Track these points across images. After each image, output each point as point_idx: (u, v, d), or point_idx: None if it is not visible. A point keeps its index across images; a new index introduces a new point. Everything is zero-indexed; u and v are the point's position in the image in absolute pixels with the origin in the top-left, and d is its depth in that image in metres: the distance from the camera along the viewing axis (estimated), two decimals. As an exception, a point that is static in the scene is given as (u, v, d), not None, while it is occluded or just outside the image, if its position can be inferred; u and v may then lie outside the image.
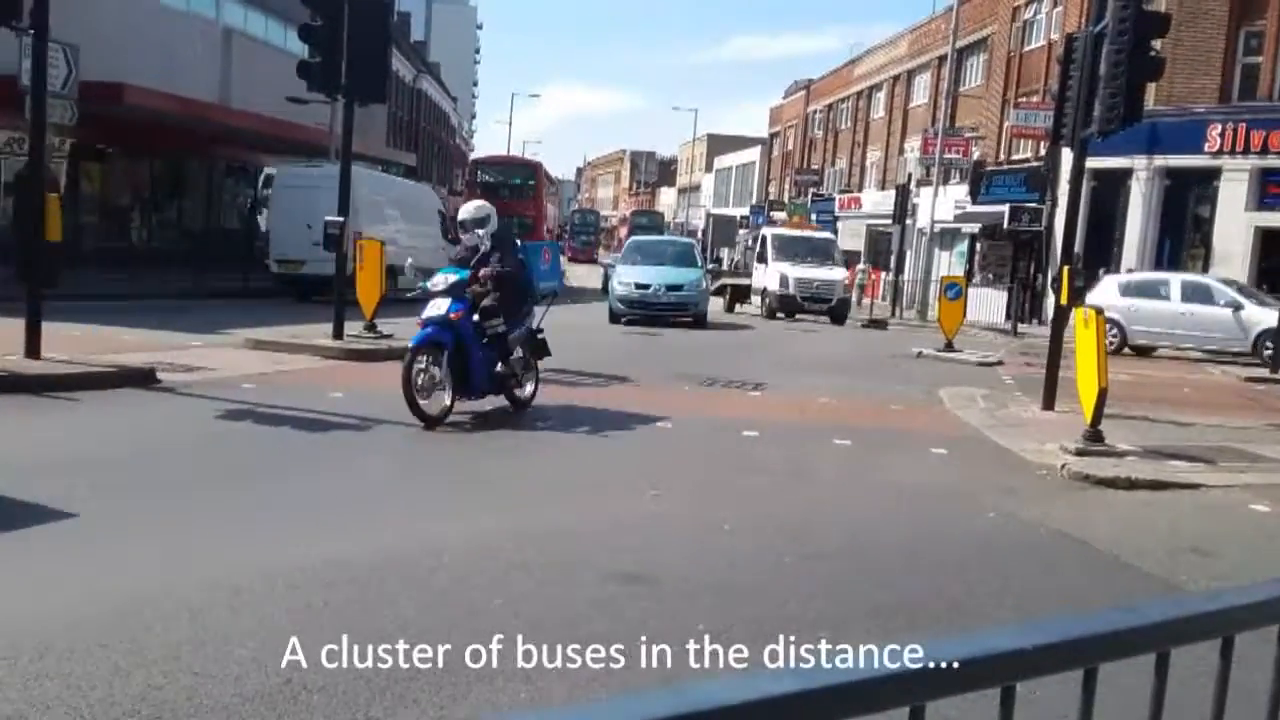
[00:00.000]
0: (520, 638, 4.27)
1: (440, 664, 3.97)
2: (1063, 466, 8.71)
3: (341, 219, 14.28)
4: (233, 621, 4.25)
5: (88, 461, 7.21)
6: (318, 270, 19.65)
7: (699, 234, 71.53)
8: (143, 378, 10.28)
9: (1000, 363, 18.16)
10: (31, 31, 10.15)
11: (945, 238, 36.95)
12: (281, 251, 22.76)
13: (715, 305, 26.29)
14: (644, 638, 4.36)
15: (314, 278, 20.79)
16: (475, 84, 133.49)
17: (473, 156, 51.09)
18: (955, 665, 1.37)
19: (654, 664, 4.12)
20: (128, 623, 4.15)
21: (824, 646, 4.29)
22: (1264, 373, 17.27)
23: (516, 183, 37.27)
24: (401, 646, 4.09)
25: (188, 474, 7.01)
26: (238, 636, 4.10)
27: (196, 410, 9.20)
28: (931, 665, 1.34)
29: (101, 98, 20.54)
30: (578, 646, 4.23)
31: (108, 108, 21.90)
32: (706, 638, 4.42)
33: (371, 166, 40.95)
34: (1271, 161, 24.69)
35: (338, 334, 13.95)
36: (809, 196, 52.85)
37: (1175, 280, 21.84)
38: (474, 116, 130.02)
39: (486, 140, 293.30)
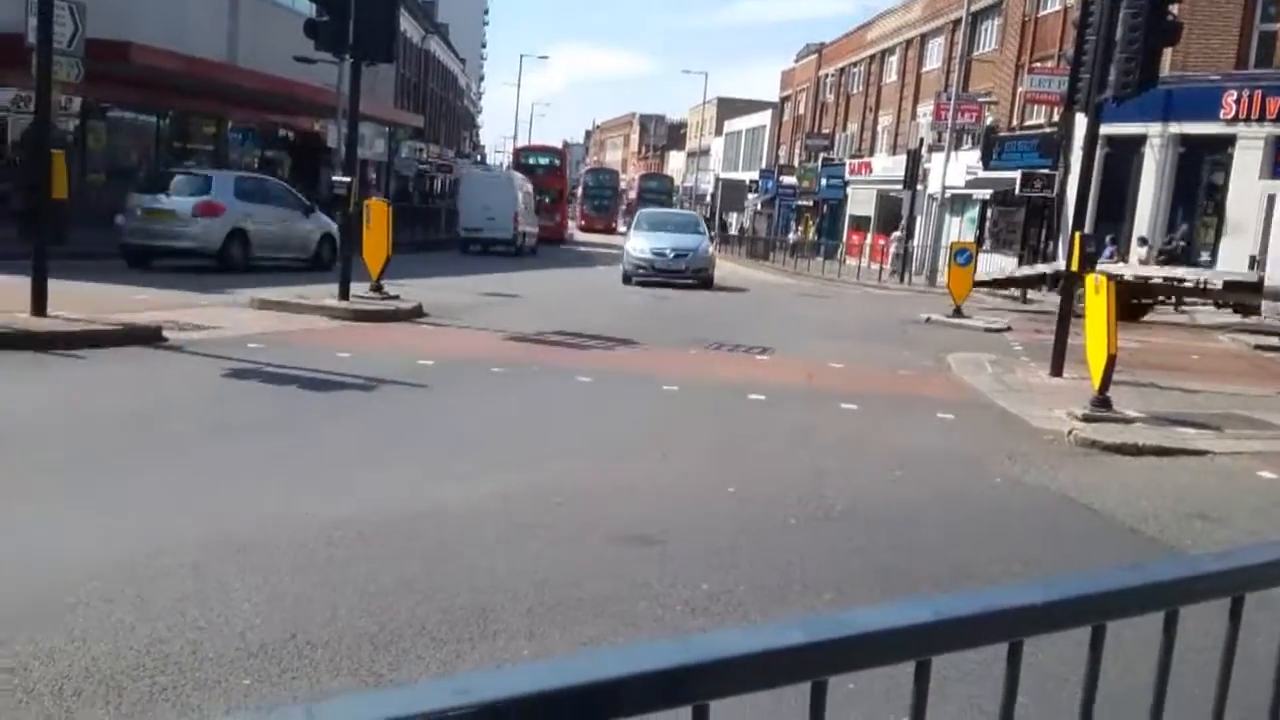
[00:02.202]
0: (524, 596, 4.28)
1: (444, 621, 3.98)
2: (1070, 432, 8.68)
3: (348, 179, 14.22)
4: (237, 577, 4.26)
5: (92, 418, 7.22)
6: (491, 235, 33.15)
7: (708, 198, 71.32)
8: (149, 336, 10.28)
9: (1009, 329, 18.09)
10: (37, -13, 10.07)
11: (956, 204, 36.69)
12: (468, 223, 33.72)
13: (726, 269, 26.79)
14: (648, 597, 4.37)
15: (488, 239, 33.23)
16: (484, 45, 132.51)
17: (517, 145, 65.76)
18: (963, 619, 1.35)
19: (658, 624, 4.13)
20: (132, 577, 4.16)
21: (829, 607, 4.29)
22: (1274, 340, 17.16)
23: (546, 163, 49.77)
24: (405, 603, 4.11)
25: (193, 431, 7.01)
26: (242, 591, 4.11)
27: (203, 368, 9.20)
28: (940, 618, 1.32)
29: (108, 56, 20.45)
30: (582, 605, 4.24)
31: (114, 66, 21.79)
32: (711, 598, 4.43)
33: (379, 127, 40.98)
34: (1288, 129, 24.41)
35: (344, 295, 13.92)
36: (819, 161, 52.51)
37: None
38: (482, 78, 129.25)
39: (494, 102, 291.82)
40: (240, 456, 6.43)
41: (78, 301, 11.49)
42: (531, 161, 48.83)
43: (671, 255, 23.89)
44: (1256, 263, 23.18)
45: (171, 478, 5.82)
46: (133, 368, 9.17)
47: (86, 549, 4.49)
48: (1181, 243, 24.58)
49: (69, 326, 9.95)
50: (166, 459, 6.24)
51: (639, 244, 24.51)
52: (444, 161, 63.67)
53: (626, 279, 24.05)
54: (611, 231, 62.05)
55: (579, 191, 73.12)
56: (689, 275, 23.92)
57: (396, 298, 14.71)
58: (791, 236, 49.34)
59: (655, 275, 23.50)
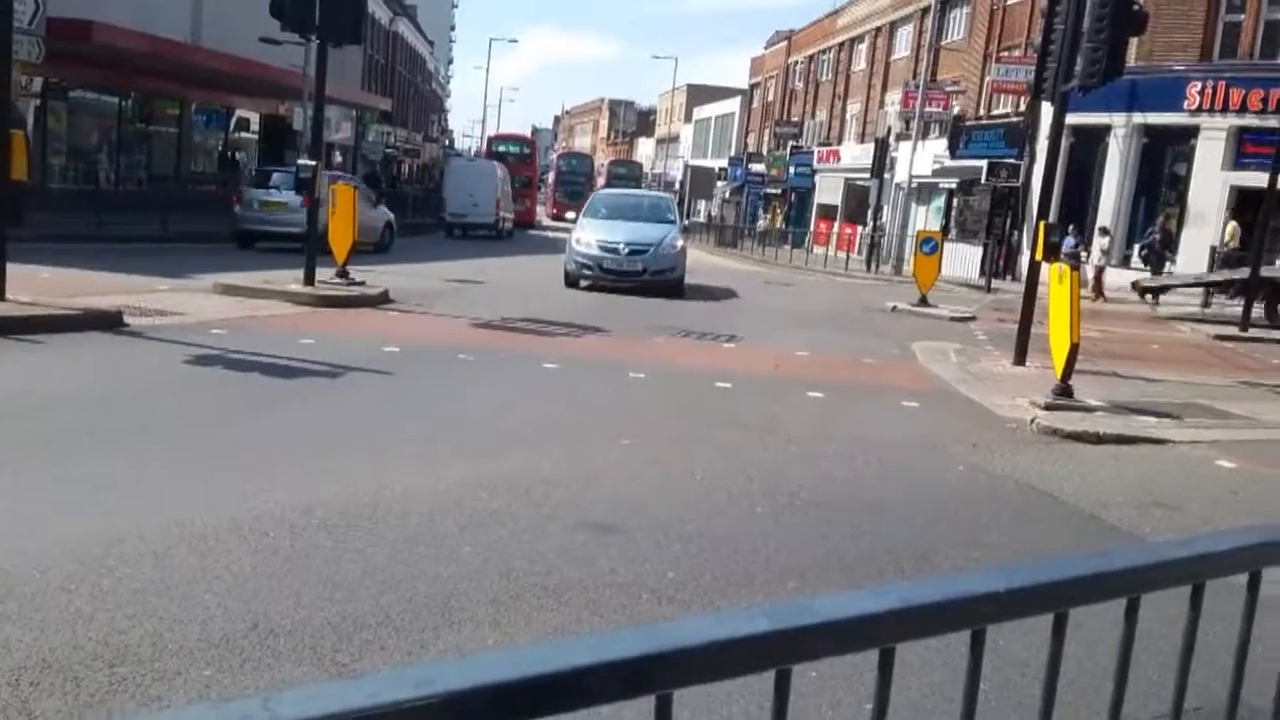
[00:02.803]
0: (489, 585, 4.26)
1: (408, 610, 3.95)
2: (1032, 420, 8.76)
3: (314, 163, 14.08)
4: (199, 566, 4.21)
5: (50, 404, 7.11)
6: (475, 220, 35.53)
7: (677, 185, 71.32)
8: (109, 321, 10.14)
9: (974, 318, 18.23)
10: (-6, -37, 9.88)
11: (923, 192, 36.91)
12: (453, 209, 35.77)
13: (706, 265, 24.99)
14: (613, 585, 4.37)
15: (472, 224, 35.61)
16: (453, 28, 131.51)
17: (490, 134, 68.52)
18: (927, 607, 1.35)
19: (623, 612, 4.12)
20: (91, 566, 4.11)
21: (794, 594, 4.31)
22: (1234, 330, 17.40)
23: (517, 150, 51.90)
24: (369, 592, 4.08)
25: (154, 417, 6.93)
26: (204, 581, 4.06)
27: (164, 354, 9.08)
28: (904, 606, 1.32)
29: (69, 35, 20.11)
30: (547, 594, 4.23)
31: (76, 45, 21.43)
32: (677, 586, 4.44)
33: (346, 110, 40.61)
34: (1249, 120, 24.68)
35: (309, 280, 13.79)
36: (788, 149, 52.59)
37: None
38: (451, 62, 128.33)
39: (463, 86, 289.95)
40: (201, 444, 6.36)
41: (38, 285, 11.32)
42: (503, 149, 51.19)
43: (625, 251, 18.07)
44: (1216, 251, 23.49)
45: (131, 465, 5.74)
46: (92, 353, 9.04)
47: (44, 537, 4.42)
48: (1156, 235, 24.76)
49: (26, 310, 9.79)
50: (126, 446, 6.16)
51: (586, 235, 18.67)
52: (412, 145, 63.25)
53: (570, 281, 18.55)
54: None
55: (550, 177, 70.97)
56: (647, 278, 18.16)
57: (362, 284, 14.59)
58: (760, 224, 49.40)
59: (604, 277, 18.15)
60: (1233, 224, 24.13)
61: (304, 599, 3.96)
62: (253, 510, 4.93)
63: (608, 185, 62.00)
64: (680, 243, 19.20)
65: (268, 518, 4.83)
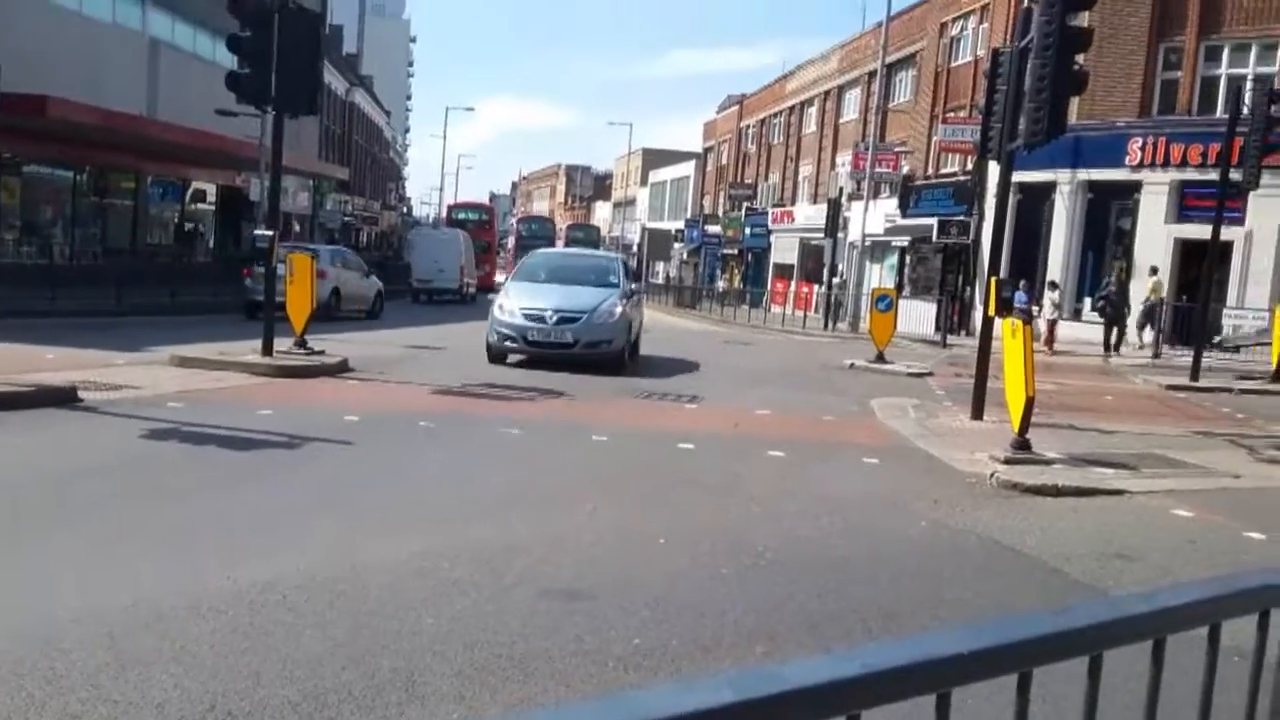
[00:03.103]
0: (453, 657, 4.20)
1: (370, 686, 3.88)
2: (992, 475, 8.83)
3: (271, 232, 14.05)
4: (155, 646, 4.12)
5: (3, 483, 6.97)
6: (440, 285, 36.28)
7: (634, 247, 71.69)
8: (64, 397, 9.98)
9: (930, 374, 18.41)
10: (-55, 41, 9.86)
11: (876, 250, 37.43)
12: (420, 275, 36.83)
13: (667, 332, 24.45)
14: (579, 654, 4.32)
15: (437, 289, 36.32)
16: (409, 98, 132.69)
17: (449, 203, 71.24)
18: (891, 671, 1.35)
19: (590, 681, 4.08)
20: (44, 649, 4.00)
21: (761, 659, 4.28)
22: (1184, 380, 17.70)
23: (476, 217, 53.42)
24: (330, 668, 4.01)
25: (109, 495, 6.81)
26: (160, 662, 3.97)
27: (120, 429, 8.95)
28: (868, 671, 1.33)
29: (23, 110, 20.08)
30: (512, 664, 4.17)
31: (30, 120, 21.37)
32: (643, 653, 4.40)
33: (303, 180, 40.66)
34: (1190, 174, 25.36)
35: (267, 350, 13.68)
36: (743, 210, 53.25)
37: None
38: (408, 130, 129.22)
39: (420, 154, 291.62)
40: (159, 520, 6.25)
41: (-13, 362, 11.14)
42: (463, 217, 53.47)
43: (553, 320, 15.37)
44: (1163, 303, 24.03)
45: (86, 544, 5.63)
46: (46, 430, 8.88)
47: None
48: (1113, 289, 24.91)
49: (-23, 388, 9.66)
50: (81, 524, 6.04)
51: (510, 301, 15.94)
52: (369, 213, 63.41)
53: (493, 355, 15.90)
54: None
55: (510, 242, 68.94)
56: (579, 350, 15.33)
57: (321, 353, 14.49)
58: (720, 285, 49.70)
59: (529, 349, 15.56)
60: (1155, 278, 25.08)
61: (263, 678, 3.88)
62: (210, 587, 4.84)
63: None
64: (620, 309, 15.86)
65: (226, 594, 4.75)
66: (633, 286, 18.05)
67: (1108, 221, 27.99)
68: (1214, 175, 20.34)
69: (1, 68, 16.44)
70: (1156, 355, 22.64)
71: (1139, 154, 26.11)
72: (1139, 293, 25.20)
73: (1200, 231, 21.81)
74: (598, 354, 15.41)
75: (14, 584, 4.88)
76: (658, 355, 18.90)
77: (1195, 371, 17.92)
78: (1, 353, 12.83)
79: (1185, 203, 25.67)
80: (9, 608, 4.51)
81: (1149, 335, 24.76)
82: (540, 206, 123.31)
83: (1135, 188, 26.61)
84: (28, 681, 3.72)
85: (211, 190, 35.88)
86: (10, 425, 8.86)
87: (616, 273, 17.73)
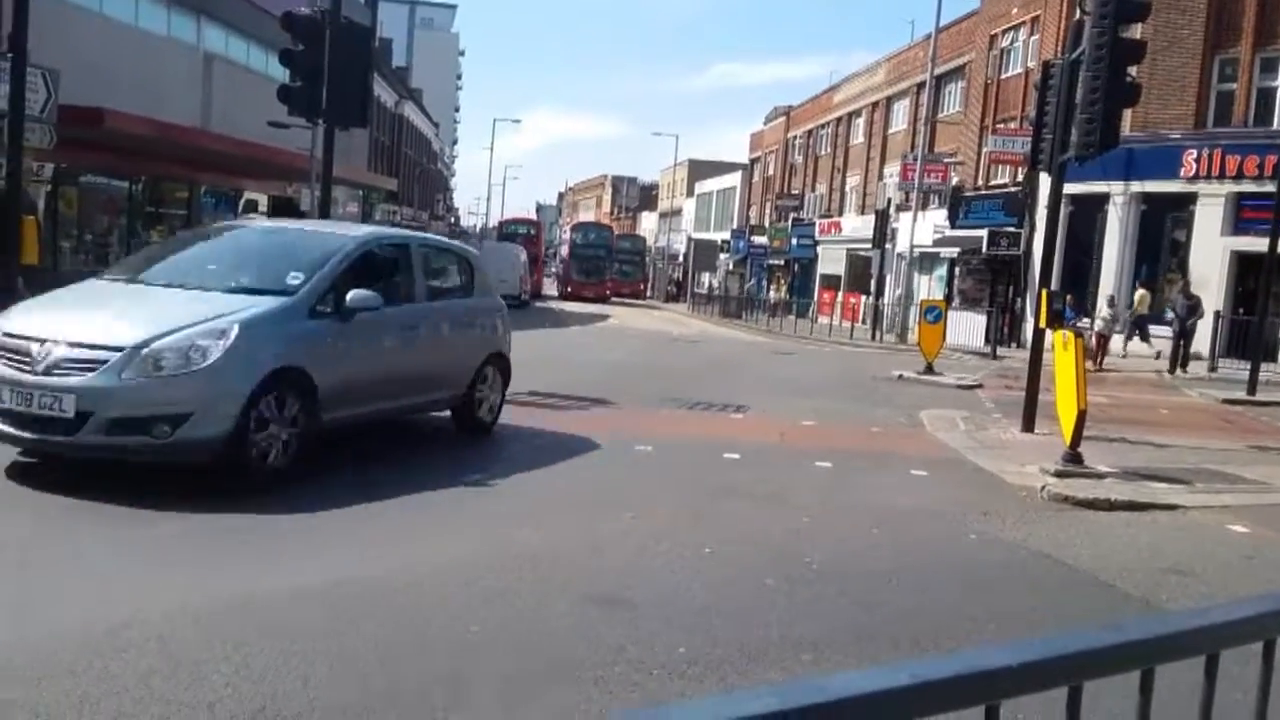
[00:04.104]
0: (498, 662, 4.22)
1: (417, 689, 3.91)
2: (1043, 488, 8.72)
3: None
4: (204, 647, 4.18)
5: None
6: (503, 292, 39.12)
7: (680, 258, 71.58)
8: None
9: (980, 385, 18.22)
10: (10, 55, 10.12)
11: (925, 262, 37.13)
12: None
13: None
14: (623, 662, 4.32)
15: (505, 297, 37.00)
16: (457, 110, 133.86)
17: (501, 218, 72.16)
18: (939, 683, 1.34)
19: (633, 688, 4.08)
20: (97, 650, 4.07)
21: (807, 669, 4.26)
22: (1241, 394, 17.37)
23: (525, 232, 56.67)
24: (378, 672, 4.04)
25: (155, 498, 6.90)
26: (210, 663, 4.03)
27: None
28: (916, 682, 1.32)
29: (81, 121, 20.45)
30: (556, 671, 4.18)
31: (87, 131, 21.80)
32: (688, 661, 4.39)
33: (353, 190, 41.18)
34: (1246, 186, 24.91)
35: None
36: (789, 221, 53.09)
37: None
38: (455, 142, 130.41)
39: (468, 165, 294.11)
40: (206, 526, 6.33)
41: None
42: (513, 230, 57.32)
43: (48, 362, 6.61)
44: (1220, 316, 23.53)
45: (133, 547, 5.72)
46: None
47: (49, 620, 4.40)
48: (1183, 301, 24.07)
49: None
50: (126, 529, 6.13)
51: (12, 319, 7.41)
52: (418, 224, 63.99)
53: None
54: (604, 300, 55.53)
55: (564, 251, 65.48)
56: (96, 440, 6.59)
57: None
58: (772, 295, 49.36)
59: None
60: (1141, 291, 25.05)
61: (312, 680, 3.92)
62: (259, 591, 4.90)
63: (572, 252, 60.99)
64: (236, 343, 6.90)
65: (275, 598, 4.80)
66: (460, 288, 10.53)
67: (1162, 233, 27.55)
68: (1271, 187, 19.99)
69: (62, 80, 16.80)
70: (1214, 369, 22.14)
71: (1194, 166, 25.69)
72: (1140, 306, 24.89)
73: (1257, 244, 21.43)
74: (148, 447, 6.71)
75: (67, 587, 4.97)
76: (704, 365, 18.71)
77: (1253, 385, 17.58)
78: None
79: (1241, 215, 25.20)
80: (59, 611, 4.60)
81: (1136, 345, 24.58)
82: (586, 217, 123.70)
83: (1190, 199, 26.18)
84: (82, 681, 3.78)
85: (263, 200, 36.43)
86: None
87: (323, 264, 7.98)
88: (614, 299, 57.41)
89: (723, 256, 62.19)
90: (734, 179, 69.04)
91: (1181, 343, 23.09)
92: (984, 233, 31.32)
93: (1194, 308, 23.22)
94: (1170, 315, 23.76)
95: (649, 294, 67.02)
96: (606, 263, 60.46)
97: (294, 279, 7.80)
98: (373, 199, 46.27)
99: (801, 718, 1.23)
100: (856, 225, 42.77)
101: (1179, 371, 22.36)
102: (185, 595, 4.77)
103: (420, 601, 4.94)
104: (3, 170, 11.92)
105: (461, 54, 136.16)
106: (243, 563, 5.46)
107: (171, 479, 6.90)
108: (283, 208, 35.91)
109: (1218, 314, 23.93)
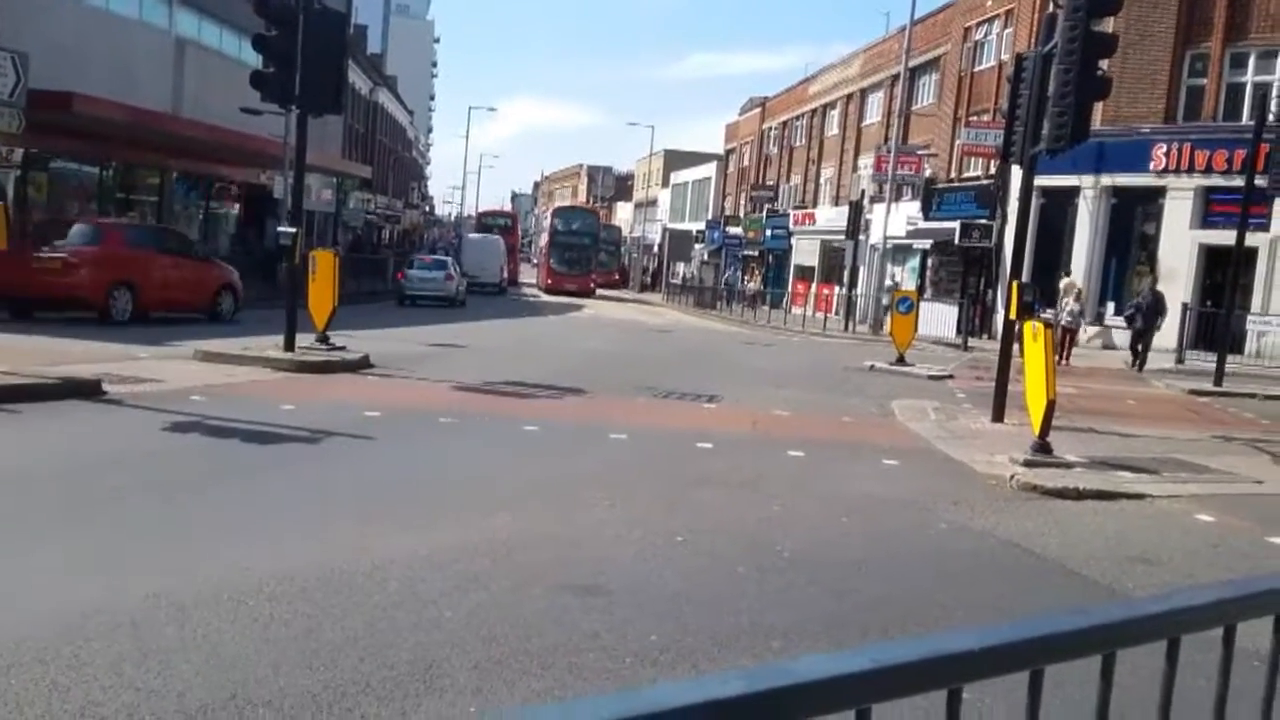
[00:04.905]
0: (471, 650, 4.23)
1: (389, 677, 3.92)
2: (1012, 477, 8.81)
3: (294, 229, 14.14)
4: (176, 636, 4.17)
5: (27, 474, 7.05)
6: (483, 280, 43.21)
7: (655, 248, 71.66)
8: (88, 389, 10.08)
9: (951, 376, 18.35)
10: (-24, 37, 9.97)
11: (898, 253, 37.31)
12: (469, 271, 40.63)
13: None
14: (596, 649, 4.35)
15: (482, 283, 42.84)
16: (432, 98, 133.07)
17: (478, 210, 77.10)
18: (901, 666, 1.37)
19: (606, 675, 4.10)
20: (68, 637, 4.06)
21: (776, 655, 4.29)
22: (1208, 385, 17.58)
23: (502, 223, 59.08)
24: (349, 659, 4.05)
25: (131, 486, 6.87)
26: (181, 651, 4.02)
27: (142, 422, 9.04)
28: (877, 666, 1.34)
29: (50, 106, 20.18)
30: (529, 658, 4.20)
31: (57, 116, 21.53)
32: (660, 649, 4.42)
33: (327, 178, 40.87)
34: (1215, 180, 25.17)
35: (289, 346, 13.78)
36: (764, 212, 53.16)
37: None
38: (430, 130, 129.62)
39: (444, 154, 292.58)
40: (180, 512, 6.31)
41: (16, 354, 11.27)
42: (491, 222, 59.56)
43: None
44: (1188, 308, 23.71)
45: (109, 534, 5.70)
46: (70, 422, 8.98)
47: (20, 608, 4.37)
48: (1148, 297, 23.62)
49: (4, 380, 9.73)
50: (104, 515, 6.11)
51: None
52: (392, 212, 63.73)
53: None
54: (589, 294, 49.90)
55: (543, 240, 61.78)
56: None
57: (343, 349, 14.58)
58: (751, 286, 49.13)
59: None
60: (1068, 280, 25.21)
61: (283, 668, 3.92)
62: (231, 578, 4.88)
63: (551, 240, 55.01)
64: None
65: (246, 585, 4.79)
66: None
67: (1131, 226, 27.81)
68: (1239, 181, 20.17)
69: (30, 64, 16.59)
70: (1180, 360, 22.14)
71: (1164, 159, 25.94)
72: (1166, 298, 24.83)
73: (1225, 237, 21.68)
74: None
75: (37, 573, 4.94)
76: (679, 354, 18.72)
77: (1219, 376, 17.79)
78: (31, 345, 12.96)
79: (1210, 208, 25.48)
80: (30, 597, 4.57)
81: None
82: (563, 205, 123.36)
83: (1160, 193, 26.44)
84: (51, 669, 3.77)
85: (236, 187, 36.13)
86: (35, 417, 8.97)
87: None
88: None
89: (697, 247, 62.19)
90: (709, 170, 69.04)
91: (1140, 343, 22.02)
92: (956, 224, 31.51)
93: (1158, 304, 22.26)
94: (1130, 310, 22.93)
95: (624, 284, 66.97)
96: (592, 251, 54.20)
97: None
98: (347, 186, 45.92)
99: (767, 700, 1.25)
100: (831, 216, 42.89)
101: (1136, 370, 21.45)
102: (158, 581, 4.75)
103: (393, 588, 4.94)
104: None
105: (437, 41, 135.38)
106: (218, 547, 5.44)
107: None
108: (255, 195, 35.65)
109: (1185, 306, 24.16)
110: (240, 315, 20.47)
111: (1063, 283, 24.73)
